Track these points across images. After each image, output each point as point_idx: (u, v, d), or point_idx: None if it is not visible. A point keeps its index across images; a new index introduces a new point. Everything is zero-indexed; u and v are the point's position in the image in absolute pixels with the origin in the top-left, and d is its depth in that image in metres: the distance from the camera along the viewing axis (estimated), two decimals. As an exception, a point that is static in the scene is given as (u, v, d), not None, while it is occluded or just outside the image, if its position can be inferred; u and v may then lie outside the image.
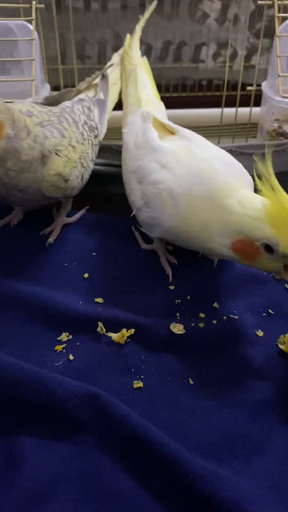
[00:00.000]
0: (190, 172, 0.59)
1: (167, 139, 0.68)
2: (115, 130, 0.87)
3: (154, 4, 0.93)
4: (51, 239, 0.70)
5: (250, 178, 0.61)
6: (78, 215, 0.75)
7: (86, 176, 0.71)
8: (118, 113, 0.84)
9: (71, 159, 0.65)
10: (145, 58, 0.89)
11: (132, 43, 0.90)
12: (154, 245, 0.70)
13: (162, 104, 0.82)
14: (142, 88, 0.80)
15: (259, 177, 0.53)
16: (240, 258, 0.55)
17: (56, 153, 0.63)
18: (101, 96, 0.81)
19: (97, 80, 0.84)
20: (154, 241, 0.70)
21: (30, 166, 0.61)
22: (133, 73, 0.82)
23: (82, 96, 0.79)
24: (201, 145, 0.65)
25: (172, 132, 0.72)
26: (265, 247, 0.52)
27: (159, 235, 0.64)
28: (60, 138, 0.64)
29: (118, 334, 0.57)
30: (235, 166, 0.63)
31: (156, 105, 0.80)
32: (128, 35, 0.91)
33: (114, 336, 0.57)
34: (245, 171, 0.63)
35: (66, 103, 0.73)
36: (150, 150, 0.66)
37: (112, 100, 0.85)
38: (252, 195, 0.56)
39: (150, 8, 0.93)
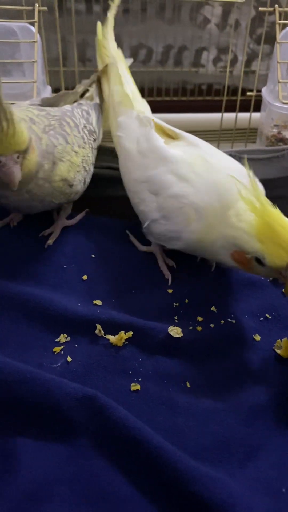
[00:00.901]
0: (209, 185, 0.60)
1: (172, 145, 0.68)
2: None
3: None
4: (50, 241, 0.70)
5: (261, 185, 0.62)
6: (77, 217, 0.75)
7: (88, 180, 0.71)
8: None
9: (74, 164, 0.65)
10: (119, 50, 0.83)
11: (106, 33, 0.83)
12: (152, 248, 0.70)
13: (145, 101, 0.80)
14: (126, 85, 0.77)
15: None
16: (241, 268, 0.57)
17: (60, 159, 0.63)
18: (97, 100, 0.81)
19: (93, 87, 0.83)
20: (152, 244, 0.70)
21: (48, 175, 0.62)
22: (114, 68, 0.78)
23: (82, 101, 0.80)
24: (211, 153, 0.66)
25: (169, 134, 0.71)
26: (256, 260, 0.54)
27: (176, 247, 0.64)
28: (65, 145, 0.64)
29: (116, 336, 0.57)
30: (246, 174, 0.63)
31: (142, 104, 0.78)
32: (99, 24, 0.83)
33: (112, 338, 0.57)
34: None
35: (67, 107, 0.73)
36: (161, 160, 0.65)
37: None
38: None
39: None
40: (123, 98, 0.75)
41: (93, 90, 0.82)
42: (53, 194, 0.63)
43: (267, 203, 0.52)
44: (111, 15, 0.83)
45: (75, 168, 0.65)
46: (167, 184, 0.63)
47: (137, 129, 0.71)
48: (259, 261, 0.53)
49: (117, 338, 0.57)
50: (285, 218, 0.52)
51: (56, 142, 0.63)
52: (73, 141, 0.66)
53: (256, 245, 0.52)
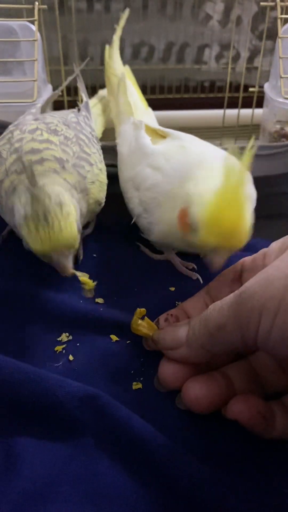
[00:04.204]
0: (179, 167, 0.59)
1: (159, 143, 0.69)
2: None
3: (127, 13, 0.93)
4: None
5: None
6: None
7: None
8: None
9: (103, 182, 0.65)
10: (127, 67, 0.90)
11: (112, 54, 0.90)
12: (166, 255, 0.69)
13: (150, 111, 0.83)
14: (129, 96, 0.80)
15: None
16: (180, 227, 0.54)
17: (92, 183, 0.62)
18: (84, 98, 0.82)
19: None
20: (165, 252, 0.69)
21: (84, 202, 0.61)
22: (122, 83, 0.82)
23: (80, 106, 0.79)
24: (192, 141, 0.66)
25: (163, 136, 0.72)
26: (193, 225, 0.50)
27: (159, 239, 0.64)
28: (90, 168, 0.63)
29: (119, 334, 0.57)
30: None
31: (144, 112, 0.81)
32: (107, 46, 0.91)
33: (114, 337, 0.57)
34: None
35: (72, 118, 0.71)
36: (143, 156, 0.66)
37: (98, 129, 0.85)
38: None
39: (124, 16, 0.93)
40: (125, 108, 0.79)
41: (81, 90, 0.84)
42: (86, 216, 0.63)
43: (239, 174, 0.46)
44: (116, 37, 0.91)
45: (104, 186, 0.65)
46: (145, 177, 0.63)
47: (131, 133, 0.72)
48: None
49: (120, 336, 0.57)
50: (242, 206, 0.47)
51: (84, 171, 0.61)
52: (95, 160, 0.65)
53: (199, 214, 0.48)
